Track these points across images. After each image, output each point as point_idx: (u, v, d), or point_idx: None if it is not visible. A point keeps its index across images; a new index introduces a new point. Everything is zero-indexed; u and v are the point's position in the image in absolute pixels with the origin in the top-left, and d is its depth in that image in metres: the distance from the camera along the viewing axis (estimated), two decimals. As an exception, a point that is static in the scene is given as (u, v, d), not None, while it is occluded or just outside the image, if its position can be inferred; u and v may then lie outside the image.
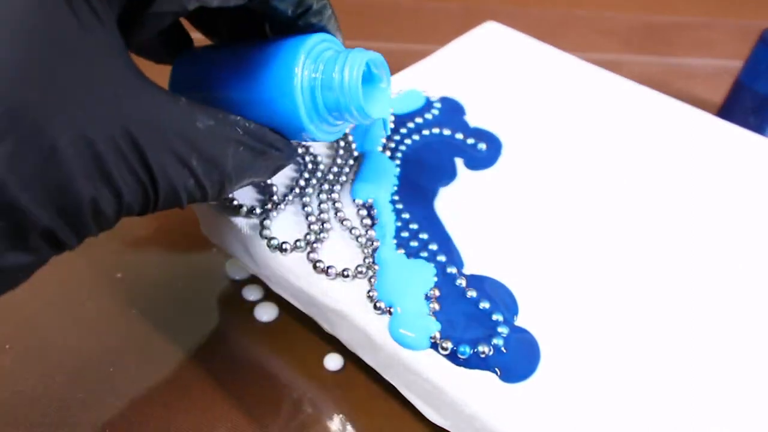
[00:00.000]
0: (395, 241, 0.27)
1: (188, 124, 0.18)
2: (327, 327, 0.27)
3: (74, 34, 0.15)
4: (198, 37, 0.25)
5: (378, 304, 0.24)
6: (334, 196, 0.28)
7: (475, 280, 0.25)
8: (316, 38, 0.22)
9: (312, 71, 0.22)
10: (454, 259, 0.26)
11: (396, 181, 0.29)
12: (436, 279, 0.25)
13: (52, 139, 0.15)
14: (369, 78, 0.24)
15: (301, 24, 0.22)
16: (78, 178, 0.15)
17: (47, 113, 0.15)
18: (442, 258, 0.26)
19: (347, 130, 0.31)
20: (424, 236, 0.27)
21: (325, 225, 0.27)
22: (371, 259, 0.26)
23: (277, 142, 0.22)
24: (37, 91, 0.14)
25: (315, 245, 0.26)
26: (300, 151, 0.31)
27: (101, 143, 0.16)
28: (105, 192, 0.16)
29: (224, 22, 0.25)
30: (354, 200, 0.28)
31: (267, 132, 0.22)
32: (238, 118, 0.21)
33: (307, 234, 0.27)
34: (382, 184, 0.29)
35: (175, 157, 0.18)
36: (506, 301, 0.25)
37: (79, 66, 0.15)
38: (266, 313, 0.30)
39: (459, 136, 0.32)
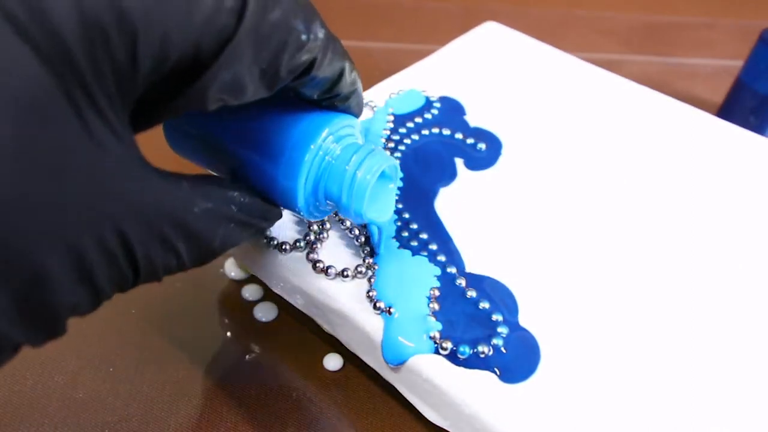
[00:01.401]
0: (395, 241, 0.27)
1: (185, 211, 0.18)
2: (326, 327, 0.27)
3: (77, 142, 0.14)
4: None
5: (377, 304, 0.24)
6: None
7: (475, 280, 0.25)
8: (340, 121, 0.22)
9: (325, 153, 0.21)
10: (454, 259, 0.26)
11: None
12: (435, 279, 0.25)
13: (39, 263, 0.14)
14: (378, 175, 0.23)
15: (325, 105, 0.22)
16: (61, 293, 0.15)
17: (37, 240, 0.14)
18: (442, 258, 0.26)
19: None
20: (424, 236, 0.27)
21: (324, 225, 0.27)
22: (371, 259, 0.26)
23: (267, 213, 0.22)
24: (30, 217, 0.13)
25: (315, 245, 0.26)
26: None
27: (91, 251, 0.15)
28: (84, 294, 0.16)
29: None
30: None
31: (260, 205, 0.21)
32: (236, 193, 0.20)
33: (307, 234, 0.27)
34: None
35: (163, 243, 0.17)
36: (506, 301, 0.25)
37: (78, 176, 0.14)
38: (266, 313, 0.30)
39: (459, 135, 0.32)
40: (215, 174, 0.24)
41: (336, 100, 0.21)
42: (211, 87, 0.16)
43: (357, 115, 0.23)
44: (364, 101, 0.34)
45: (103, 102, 0.15)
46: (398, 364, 0.24)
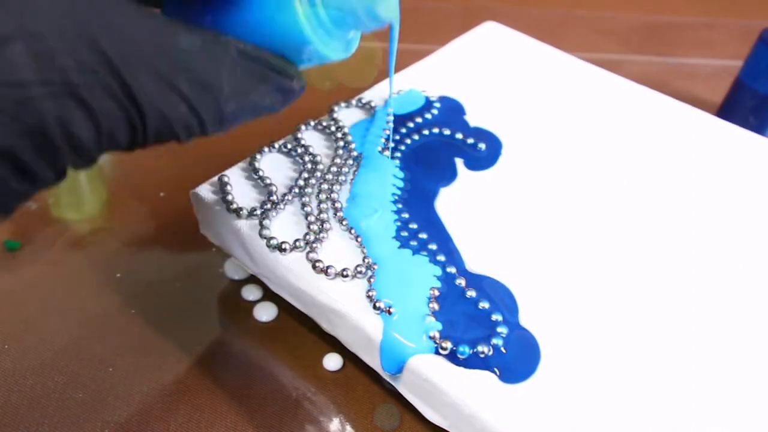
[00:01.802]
0: (395, 241, 0.27)
1: (169, 42, 0.16)
2: (326, 327, 0.27)
3: None
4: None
5: (377, 304, 0.24)
6: (334, 195, 0.28)
7: (474, 280, 0.25)
8: None
9: None
10: (454, 258, 0.26)
11: (395, 181, 0.29)
12: (435, 279, 0.25)
13: (2, 43, 0.13)
14: None
15: None
16: (36, 91, 0.14)
17: None
18: (441, 258, 0.26)
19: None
20: (423, 236, 0.27)
21: (324, 225, 0.27)
22: (370, 259, 0.26)
23: (279, 65, 0.19)
24: None
25: (314, 245, 0.26)
26: (298, 151, 0.31)
27: (62, 54, 0.14)
28: (77, 113, 0.14)
29: None
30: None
31: (266, 53, 0.19)
32: (230, 38, 0.18)
33: (307, 234, 0.27)
34: (380, 192, 0.29)
35: (159, 77, 0.16)
36: (506, 301, 0.25)
37: None
38: (265, 312, 0.30)
39: (459, 135, 0.32)
40: None
41: None
42: None
43: None
44: (364, 101, 0.34)
45: None
46: (396, 372, 0.24)
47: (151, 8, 0.17)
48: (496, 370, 0.23)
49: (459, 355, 0.23)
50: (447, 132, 0.32)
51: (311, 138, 0.32)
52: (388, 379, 0.25)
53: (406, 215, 0.28)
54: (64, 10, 0.14)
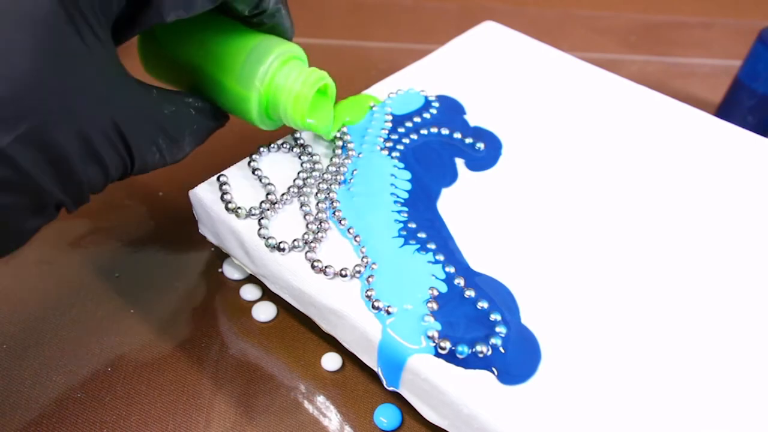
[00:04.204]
0: (395, 240, 0.27)
1: (158, 112, 0.24)
2: (325, 326, 0.27)
3: (77, 50, 0.19)
4: None
5: (376, 304, 0.24)
6: (332, 195, 0.28)
7: (473, 280, 0.25)
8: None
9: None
10: (454, 258, 0.26)
11: (395, 180, 0.29)
12: (434, 278, 0.25)
13: (56, 137, 0.19)
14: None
15: (255, 21, 0.26)
16: (77, 163, 0.20)
17: (53, 116, 0.19)
18: (441, 257, 0.26)
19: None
20: (422, 235, 0.27)
21: (323, 224, 0.27)
22: (369, 259, 0.26)
23: (217, 114, 0.28)
24: (46, 97, 0.18)
25: (313, 245, 0.26)
26: (297, 150, 0.31)
27: (95, 135, 0.20)
28: (96, 169, 0.21)
29: None
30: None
31: (211, 108, 0.28)
32: (190, 99, 0.26)
33: (305, 233, 0.27)
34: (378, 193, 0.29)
35: (148, 138, 0.23)
36: (506, 301, 0.25)
37: (79, 76, 0.19)
38: (264, 312, 0.30)
39: (458, 135, 0.32)
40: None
41: (263, 17, 0.26)
42: (165, 3, 0.22)
43: (286, 35, 0.28)
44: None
45: (93, 20, 0.20)
46: (395, 386, 0.24)
47: (150, 86, 0.24)
48: (494, 369, 0.23)
49: (458, 355, 0.23)
50: (446, 131, 0.32)
51: (310, 138, 0.32)
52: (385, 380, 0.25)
53: (405, 215, 0.28)
54: (103, 107, 0.21)
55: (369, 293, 0.24)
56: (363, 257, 0.26)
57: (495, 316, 0.24)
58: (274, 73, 0.27)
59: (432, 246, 0.26)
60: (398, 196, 0.29)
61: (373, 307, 0.24)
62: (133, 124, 0.22)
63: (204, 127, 0.27)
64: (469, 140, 0.32)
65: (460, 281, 0.25)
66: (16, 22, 0.18)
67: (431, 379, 0.23)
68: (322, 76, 0.28)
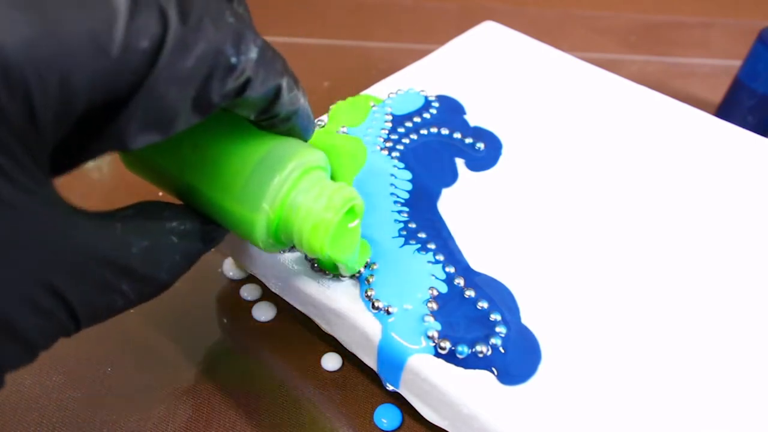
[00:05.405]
0: (395, 240, 0.27)
1: (122, 252, 0.17)
2: (325, 326, 0.27)
3: (6, 197, 0.14)
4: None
5: (376, 304, 0.24)
6: (333, 195, 0.28)
7: (473, 280, 0.25)
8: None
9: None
10: (454, 258, 0.26)
11: (395, 180, 0.29)
12: (434, 278, 0.25)
13: None
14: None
15: (265, 125, 0.21)
16: None
17: None
18: (441, 257, 0.26)
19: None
20: (423, 235, 0.27)
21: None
22: (369, 258, 0.26)
23: (212, 233, 0.22)
24: None
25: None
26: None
27: (14, 309, 0.15)
28: (16, 351, 0.16)
29: None
30: None
31: (202, 230, 0.21)
32: (174, 224, 0.20)
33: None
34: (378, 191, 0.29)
35: (104, 288, 0.17)
36: (506, 301, 0.25)
37: (4, 230, 0.14)
38: (264, 312, 0.30)
39: (458, 135, 0.32)
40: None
41: (276, 121, 0.20)
42: (130, 126, 0.15)
43: (304, 137, 0.22)
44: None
45: (13, 156, 0.14)
46: (395, 384, 0.24)
47: (112, 218, 0.18)
48: (494, 369, 0.23)
49: (458, 355, 0.23)
50: (446, 131, 0.32)
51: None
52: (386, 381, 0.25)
53: (405, 215, 0.28)
54: (33, 262, 0.15)
55: (369, 293, 0.24)
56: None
57: (495, 316, 0.24)
58: (289, 190, 0.20)
59: (432, 246, 0.26)
60: (398, 196, 0.29)
61: (373, 307, 0.24)
62: (79, 279, 0.16)
63: (190, 253, 0.20)
64: (469, 140, 0.32)
65: (460, 281, 0.25)
66: None
67: (431, 379, 0.23)
68: (351, 196, 0.21)
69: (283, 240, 0.22)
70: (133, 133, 0.16)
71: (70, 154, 0.16)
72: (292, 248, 0.26)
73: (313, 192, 0.21)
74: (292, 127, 0.21)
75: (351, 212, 0.23)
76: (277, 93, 0.19)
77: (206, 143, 0.20)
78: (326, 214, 0.21)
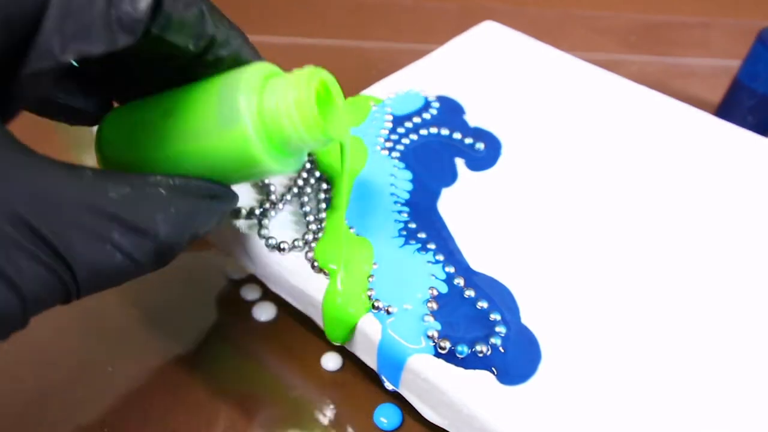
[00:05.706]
0: (395, 240, 0.27)
1: (97, 194, 0.16)
2: (325, 326, 0.27)
3: None
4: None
5: (376, 303, 0.24)
6: (333, 195, 0.28)
7: (473, 280, 0.25)
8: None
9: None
10: (454, 258, 0.26)
11: (395, 181, 0.29)
12: (434, 278, 0.25)
13: None
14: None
15: (211, 59, 0.20)
16: None
17: None
18: (440, 257, 0.26)
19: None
20: (422, 235, 0.27)
21: (323, 224, 0.27)
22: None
23: (213, 191, 0.20)
24: None
25: (313, 245, 0.26)
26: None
27: None
28: (9, 297, 0.15)
29: (126, 80, 0.23)
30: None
31: (197, 183, 0.20)
32: (159, 177, 0.19)
33: (305, 233, 0.27)
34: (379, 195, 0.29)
35: (88, 232, 0.16)
36: (506, 301, 0.25)
37: None
38: (264, 312, 0.30)
39: (457, 135, 0.32)
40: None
41: (218, 49, 0.20)
42: (53, 39, 0.16)
43: (250, 58, 0.21)
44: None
45: None
46: (396, 383, 0.24)
47: (82, 167, 0.17)
48: (494, 369, 0.23)
49: (458, 355, 0.23)
50: (446, 132, 0.32)
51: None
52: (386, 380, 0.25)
53: (405, 215, 0.28)
54: None
55: (369, 293, 0.24)
56: (363, 257, 0.26)
57: (495, 316, 0.24)
58: (260, 94, 0.20)
59: (432, 246, 0.26)
60: (398, 196, 0.29)
61: (373, 307, 0.24)
62: (52, 214, 0.15)
63: (187, 210, 0.19)
64: (469, 140, 0.32)
65: (460, 281, 0.25)
66: None
67: (431, 379, 0.23)
68: (315, 69, 0.21)
69: (282, 148, 0.21)
70: (59, 46, 0.16)
71: (10, 93, 0.17)
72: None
73: (280, 85, 0.20)
74: (236, 56, 0.21)
75: (327, 92, 0.22)
76: (201, 13, 0.19)
77: (175, 105, 0.21)
78: (300, 93, 0.20)
